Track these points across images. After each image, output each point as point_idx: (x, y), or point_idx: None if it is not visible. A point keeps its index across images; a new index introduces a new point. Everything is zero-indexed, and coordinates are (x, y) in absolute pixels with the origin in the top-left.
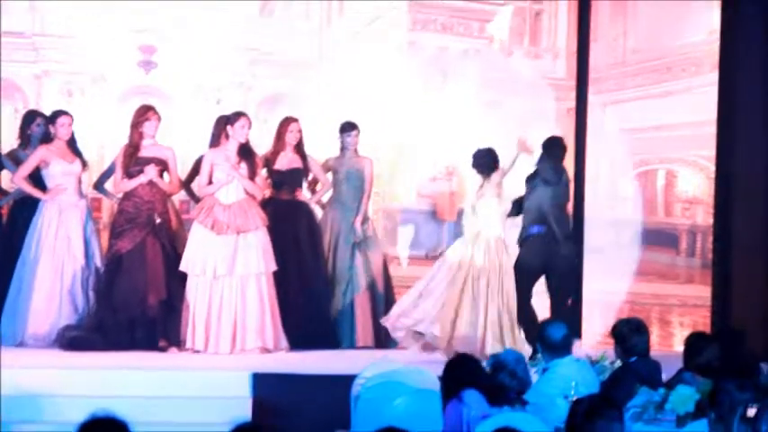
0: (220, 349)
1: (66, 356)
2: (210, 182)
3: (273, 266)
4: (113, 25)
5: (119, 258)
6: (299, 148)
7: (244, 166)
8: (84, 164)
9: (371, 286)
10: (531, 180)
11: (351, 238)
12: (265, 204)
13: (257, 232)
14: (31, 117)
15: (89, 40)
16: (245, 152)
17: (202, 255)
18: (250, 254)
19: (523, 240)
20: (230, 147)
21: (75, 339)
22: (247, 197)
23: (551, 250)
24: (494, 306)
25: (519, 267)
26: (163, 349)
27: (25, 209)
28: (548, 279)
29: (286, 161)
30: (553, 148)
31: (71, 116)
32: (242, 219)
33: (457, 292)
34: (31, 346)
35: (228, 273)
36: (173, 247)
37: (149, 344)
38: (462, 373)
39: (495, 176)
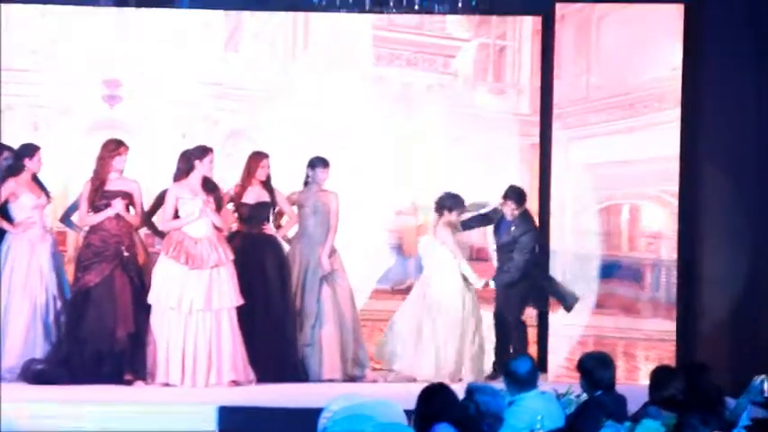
0: (197, 383)
1: (32, 390)
2: (176, 216)
3: (241, 300)
4: (78, 59)
5: (86, 291)
6: (266, 182)
7: (211, 200)
8: (48, 197)
9: (339, 319)
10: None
11: (319, 271)
12: (232, 238)
13: (227, 266)
14: None
15: (54, 74)
16: (210, 186)
17: (177, 289)
18: (223, 288)
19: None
20: (193, 180)
21: (40, 373)
22: (215, 231)
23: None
24: (459, 337)
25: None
26: (129, 383)
27: None
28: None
29: (254, 195)
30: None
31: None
32: (215, 253)
33: (419, 324)
34: (7, 380)
35: (206, 307)
36: (140, 280)
37: (115, 377)
38: (436, 403)
39: (450, 216)
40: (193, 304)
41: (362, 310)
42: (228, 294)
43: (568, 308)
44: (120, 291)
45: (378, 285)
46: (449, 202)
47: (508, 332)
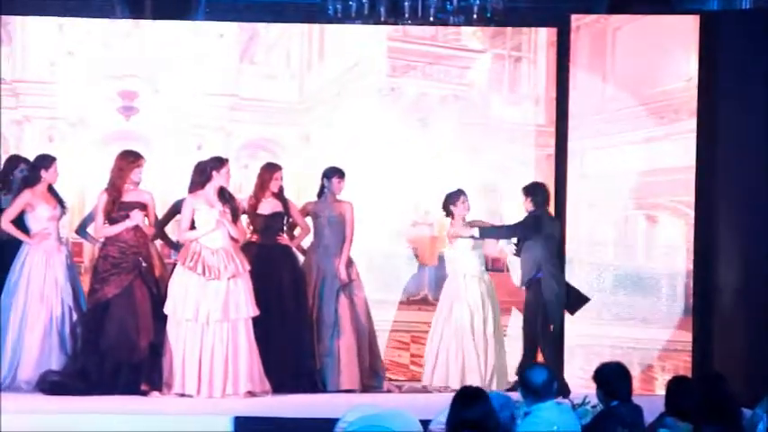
0: (214, 393)
1: (49, 401)
2: (192, 227)
3: (257, 310)
4: (94, 71)
5: (106, 303)
6: (279, 193)
7: (227, 210)
8: (64, 208)
9: (356, 329)
10: (527, 226)
11: (336, 282)
12: (246, 249)
13: (244, 276)
14: (13, 162)
15: (70, 86)
16: (226, 196)
17: (193, 299)
18: (240, 298)
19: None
20: (209, 191)
21: (56, 384)
22: (232, 242)
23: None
24: (484, 342)
25: (531, 308)
26: (145, 393)
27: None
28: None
29: (268, 206)
30: (542, 195)
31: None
32: (232, 264)
33: (451, 334)
34: (24, 390)
35: (223, 318)
36: (158, 291)
37: (131, 388)
38: (474, 408)
39: (458, 218)
40: (210, 315)
41: (378, 321)
42: (245, 305)
43: (573, 309)
44: (140, 301)
45: (393, 296)
46: (451, 199)
47: (534, 339)
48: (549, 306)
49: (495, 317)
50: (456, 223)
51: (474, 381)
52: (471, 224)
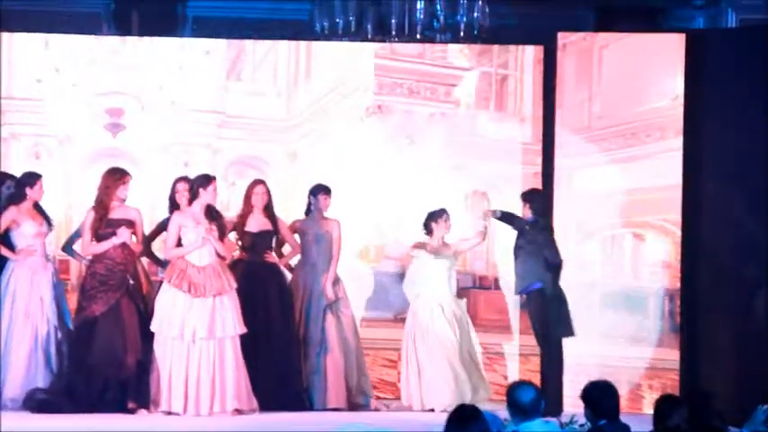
0: (201, 411)
1: (36, 419)
2: (179, 244)
3: (244, 328)
4: (80, 88)
5: (93, 321)
6: (267, 210)
7: (214, 228)
8: (50, 225)
9: (343, 348)
10: (528, 232)
11: (323, 300)
12: (234, 266)
13: (231, 294)
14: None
15: (56, 103)
16: (213, 214)
17: (180, 317)
18: (226, 316)
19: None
20: (196, 209)
21: (42, 402)
22: (218, 259)
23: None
24: (456, 361)
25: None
26: (132, 411)
27: None
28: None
29: (256, 223)
30: (539, 202)
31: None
32: (218, 281)
33: (423, 353)
34: (9, 408)
35: (209, 336)
36: (145, 308)
37: (118, 406)
38: (472, 427)
39: (436, 236)
40: (196, 332)
41: (365, 339)
42: (231, 323)
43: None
44: (127, 319)
45: (380, 314)
46: (433, 216)
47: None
48: (551, 317)
49: (464, 336)
50: (432, 241)
51: (447, 401)
52: (448, 245)
